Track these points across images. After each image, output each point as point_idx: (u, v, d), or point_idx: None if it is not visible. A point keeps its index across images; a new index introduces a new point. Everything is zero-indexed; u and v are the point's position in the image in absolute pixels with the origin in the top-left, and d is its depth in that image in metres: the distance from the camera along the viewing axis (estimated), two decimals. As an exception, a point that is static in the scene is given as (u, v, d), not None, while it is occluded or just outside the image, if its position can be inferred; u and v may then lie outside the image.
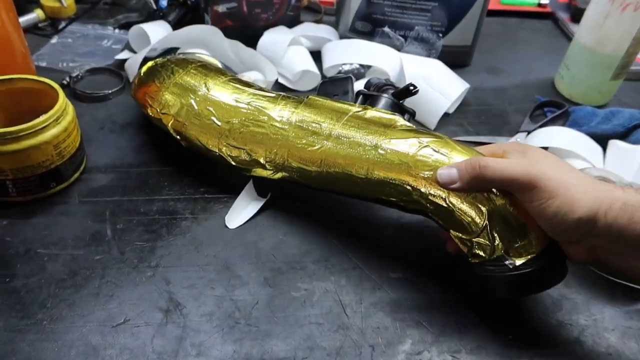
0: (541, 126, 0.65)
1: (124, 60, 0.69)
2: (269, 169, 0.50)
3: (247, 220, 0.51)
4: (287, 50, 0.71)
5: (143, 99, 0.55)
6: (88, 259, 0.46)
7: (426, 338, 0.43)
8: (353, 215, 0.53)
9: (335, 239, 0.50)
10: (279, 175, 0.49)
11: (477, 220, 0.41)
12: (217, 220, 0.51)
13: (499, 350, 0.42)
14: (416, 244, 0.50)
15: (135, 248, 0.47)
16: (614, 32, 0.67)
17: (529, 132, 0.64)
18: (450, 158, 0.43)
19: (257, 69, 0.69)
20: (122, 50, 0.74)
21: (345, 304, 0.44)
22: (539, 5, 0.98)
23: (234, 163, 0.51)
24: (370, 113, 0.48)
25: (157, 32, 0.70)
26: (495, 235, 0.41)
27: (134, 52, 0.72)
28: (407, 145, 0.44)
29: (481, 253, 0.41)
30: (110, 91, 0.65)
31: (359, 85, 0.58)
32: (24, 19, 0.76)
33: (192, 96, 0.52)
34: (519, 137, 0.64)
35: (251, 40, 0.72)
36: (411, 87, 0.49)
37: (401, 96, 0.50)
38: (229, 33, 0.70)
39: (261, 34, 0.74)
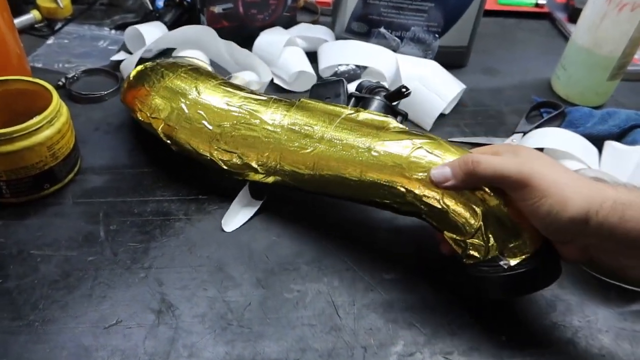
0: (537, 127, 0.65)
1: (120, 61, 0.69)
2: (261, 173, 0.49)
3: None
4: (283, 51, 0.71)
5: (132, 103, 0.55)
6: (81, 260, 0.46)
7: (419, 339, 0.42)
8: (347, 217, 0.53)
9: (329, 240, 0.50)
10: (271, 179, 0.49)
11: (472, 221, 0.41)
12: (211, 221, 0.51)
13: (492, 351, 0.42)
14: (410, 246, 0.50)
15: (129, 249, 0.47)
16: (611, 32, 0.66)
17: (524, 133, 0.64)
18: (443, 159, 0.43)
19: (251, 69, 0.69)
20: (118, 51, 0.74)
21: (337, 305, 0.44)
22: (537, 5, 0.98)
23: (225, 167, 0.50)
24: (363, 115, 0.48)
25: (152, 33, 0.70)
26: (490, 235, 0.40)
27: (130, 53, 0.72)
28: (400, 147, 0.44)
29: (475, 254, 0.41)
30: (105, 92, 0.65)
31: (353, 87, 0.58)
32: (20, 20, 0.76)
33: (182, 100, 0.52)
34: (515, 137, 0.64)
35: (247, 41, 0.72)
36: (403, 89, 0.49)
37: (393, 98, 0.50)
38: (225, 34, 0.70)
39: (257, 35, 0.74)
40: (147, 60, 0.62)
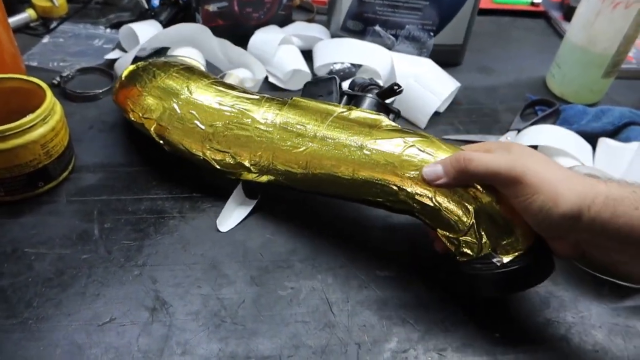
0: (532, 124, 0.65)
1: (115, 60, 0.69)
2: (254, 172, 0.49)
3: (237, 222, 0.51)
4: (278, 49, 0.71)
5: (125, 103, 0.55)
6: (75, 258, 0.46)
7: (412, 336, 0.43)
8: (340, 215, 0.53)
9: (323, 238, 0.50)
10: (264, 178, 0.49)
11: (464, 218, 0.41)
12: (205, 219, 0.51)
13: (486, 347, 0.42)
14: (404, 244, 0.50)
15: (123, 247, 0.47)
16: (605, 30, 0.67)
17: (519, 131, 0.64)
18: (436, 157, 0.43)
19: (245, 67, 0.69)
20: (113, 49, 0.74)
21: (331, 302, 0.44)
22: (532, 4, 0.98)
23: (218, 167, 0.50)
24: (355, 113, 0.48)
25: (146, 31, 0.70)
26: (483, 233, 0.41)
27: (125, 51, 0.72)
28: (393, 145, 0.44)
29: (469, 251, 0.41)
30: (100, 91, 0.65)
31: (346, 85, 0.58)
32: (15, 19, 0.76)
33: (174, 100, 0.51)
34: (509, 135, 0.64)
35: (242, 39, 0.72)
36: (395, 87, 0.49)
37: (386, 96, 0.50)
38: (220, 32, 0.70)
39: (252, 33, 0.74)
40: (141, 59, 0.62)
